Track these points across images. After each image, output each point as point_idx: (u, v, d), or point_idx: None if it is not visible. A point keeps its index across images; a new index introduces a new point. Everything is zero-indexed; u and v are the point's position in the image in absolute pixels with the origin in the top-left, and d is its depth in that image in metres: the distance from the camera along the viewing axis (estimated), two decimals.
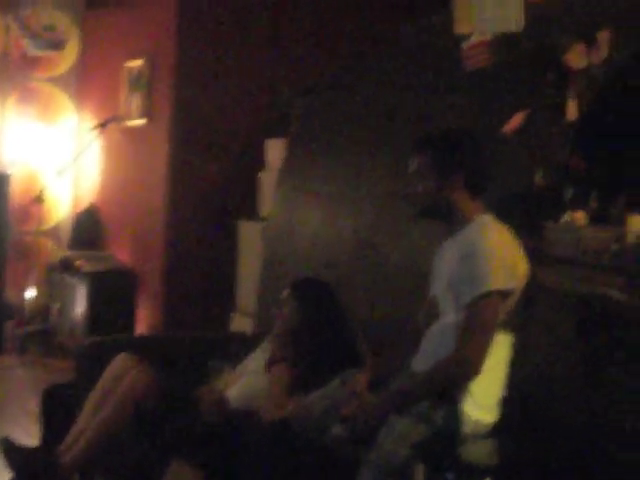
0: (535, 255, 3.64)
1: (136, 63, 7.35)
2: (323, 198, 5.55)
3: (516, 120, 4.26)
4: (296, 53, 6.93)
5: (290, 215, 5.75)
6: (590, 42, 4.28)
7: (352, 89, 5.58)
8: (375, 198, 5.18)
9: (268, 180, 6.36)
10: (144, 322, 7.19)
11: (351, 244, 5.26)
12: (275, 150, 6.41)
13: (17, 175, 7.83)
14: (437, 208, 3.47)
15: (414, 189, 3.49)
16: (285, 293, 4.29)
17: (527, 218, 4.00)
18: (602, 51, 4.28)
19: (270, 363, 4.19)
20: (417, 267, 4.41)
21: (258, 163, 6.65)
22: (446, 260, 3.48)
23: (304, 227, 5.62)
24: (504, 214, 3.66)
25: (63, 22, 8.11)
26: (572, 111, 4.26)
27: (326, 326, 4.15)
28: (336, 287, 4.43)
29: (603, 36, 4.28)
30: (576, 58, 4.27)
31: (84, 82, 8.26)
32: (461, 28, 4.17)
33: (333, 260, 5.29)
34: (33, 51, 8.00)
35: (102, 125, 7.48)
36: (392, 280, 4.91)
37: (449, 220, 3.48)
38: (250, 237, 6.46)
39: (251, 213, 6.59)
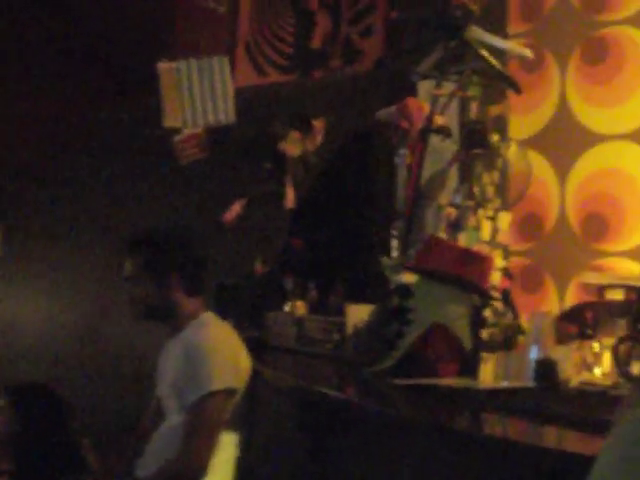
0: (258, 346, 3.63)
1: None
2: (43, 289, 5.35)
3: (235, 209, 4.26)
4: (9, 134, 6.66)
5: (7, 308, 5.49)
6: (305, 130, 4.36)
7: (66, 175, 5.44)
8: (98, 286, 5.04)
9: None
10: None
11: (75, 335, 5.08)
12: None
13: None
14: (157, 310, 3.39)
15: (131, 293, 3.39)
16: (1, 402, 4.05)
17: (249, 309, 3.99)
18: (317, 138, 4.38)
19: None
20: (144, 356, 4.30)
21: None
22: (170, 361, 3.39)
23: (24, 320, 5.38)
24: (226, 305, 3.63)
25: None
26: (290, 198, 4.32)
27: (46, 434, 3.95)
28: (58, 383, 4.24)
29: (317, 124, 4.38)
30: (292, 146, 4.34)
31: None
32: (171, 122, 4.13)
33: (56, 353, 5.09)
34: None
35: None
36: (119, 369, 4.77)
37: (170, 320, 3.41)
38: None
39: None
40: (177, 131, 4.15)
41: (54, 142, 6.22)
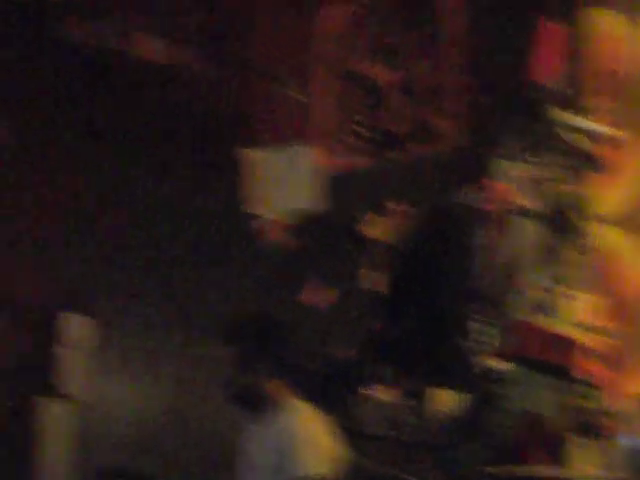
0: (346, 433, 3.60)
1: None
2: (129, 372, 5.38)
3: (330, 296, 4.27)
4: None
5: (103, 394, 5.51)
6: (384, 212, 4.38)
7: (150, 262, 5.50)
8: (181, 369, 5.08)
9: (67, 355, 6.09)
10: None
11: (161, 418, 5.11)
12: (74, 324, 6.17)
13: None
14: (250, 396, 3.40)
15: (231, 380, 3.40)
16: None
17: (334, 394, 3.97)
18: (397, 221, 4.39)
19: None
20: (229, 439, 4.31)
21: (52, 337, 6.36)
22: (259, 448, 3.39)
23: (112, 404, 5.41)
24: (316, 392, 3.62)
25: None
26: (374, 281, 4.31)
27: None
28: (146, 467, 4.25)
29: (398, 207, 4.40)
30: (372, 228, 4.36)
31: None
32: (254, 207, 4.17)
33: (142, 438, 5.11)
34: None
35: None
36: (205, 453, 4.79)
37: (260, 407, 3.40)
38: (52, 416, 6.12)
39: (50, 390, 6.27)
40: (260, 216, 4.19)
41: (140, 229, 6.28)
